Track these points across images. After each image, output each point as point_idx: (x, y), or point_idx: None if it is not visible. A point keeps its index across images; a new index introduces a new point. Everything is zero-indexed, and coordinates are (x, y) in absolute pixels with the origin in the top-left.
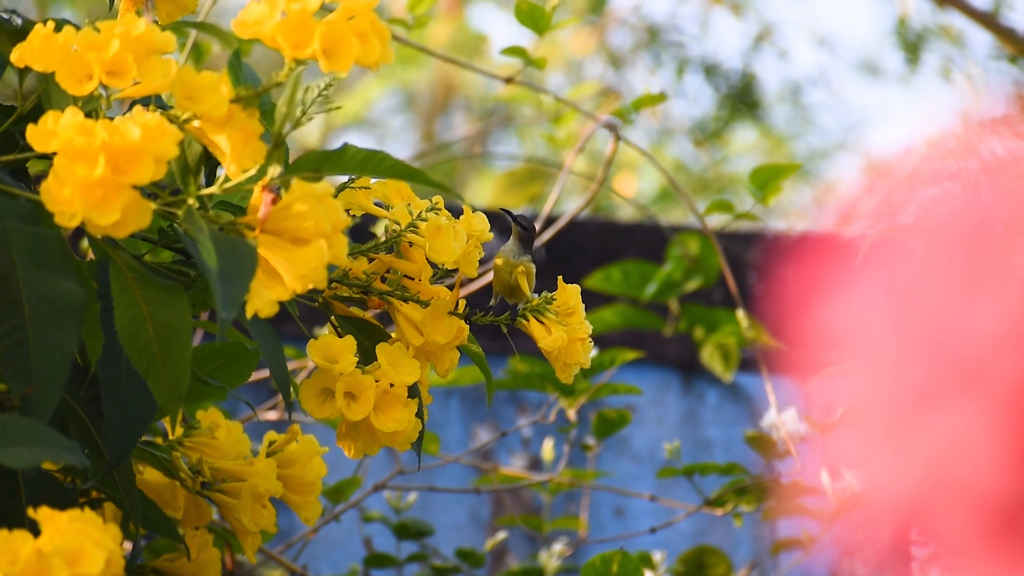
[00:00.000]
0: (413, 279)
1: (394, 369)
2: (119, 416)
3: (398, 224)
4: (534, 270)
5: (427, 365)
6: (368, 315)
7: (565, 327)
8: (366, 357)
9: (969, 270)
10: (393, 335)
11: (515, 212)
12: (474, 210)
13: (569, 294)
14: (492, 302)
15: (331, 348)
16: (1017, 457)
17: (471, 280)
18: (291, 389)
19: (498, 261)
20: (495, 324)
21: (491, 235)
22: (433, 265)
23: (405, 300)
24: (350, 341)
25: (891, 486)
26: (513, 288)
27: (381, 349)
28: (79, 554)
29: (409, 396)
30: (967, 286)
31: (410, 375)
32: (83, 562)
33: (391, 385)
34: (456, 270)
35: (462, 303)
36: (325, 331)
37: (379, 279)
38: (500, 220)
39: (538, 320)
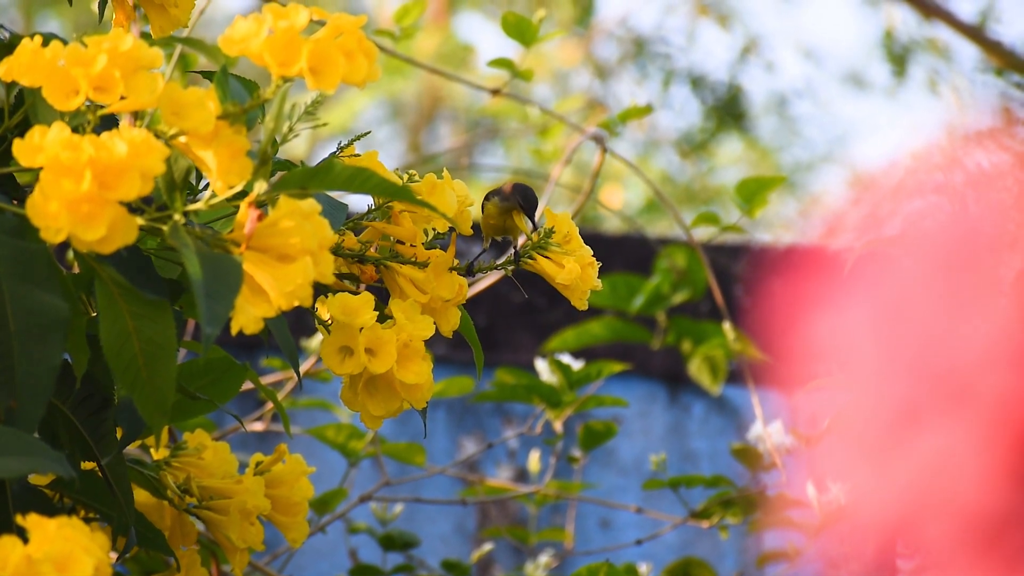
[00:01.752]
0: (405, 243)
1: (411, 323)
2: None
3: None
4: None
5: None
6: (362, 290)
7: (573, 256)
8: None
9: (955, 284)
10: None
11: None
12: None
13: (561, 221)
14: (484, 245)
15: (349, 303)
16: (1002, 472)
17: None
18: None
19: (489, 214)
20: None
21: (473, 200)
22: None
23: (402, 264)
24: (368, 297)
25: (877, 499)
26: (509, 227)
27: (395, 305)
28: (68, 560)
29: None
30: (953, 300)
31: (426, 329)
32: (72, 568)
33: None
34: (445, 241)
35: (457, 262)
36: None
37: (372, 248)
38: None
39: (544, 256)
